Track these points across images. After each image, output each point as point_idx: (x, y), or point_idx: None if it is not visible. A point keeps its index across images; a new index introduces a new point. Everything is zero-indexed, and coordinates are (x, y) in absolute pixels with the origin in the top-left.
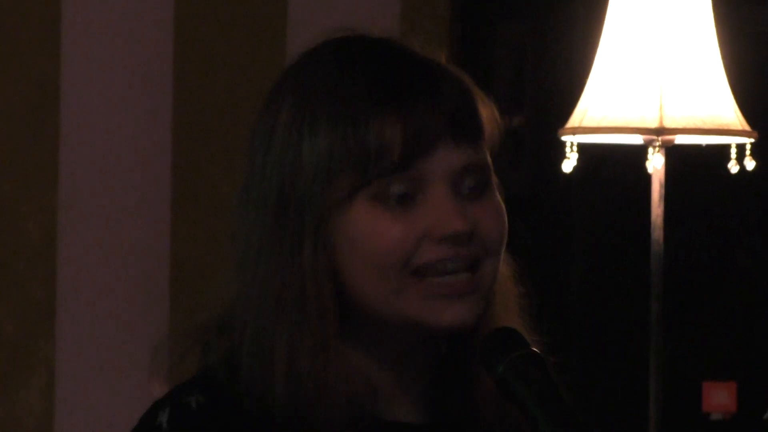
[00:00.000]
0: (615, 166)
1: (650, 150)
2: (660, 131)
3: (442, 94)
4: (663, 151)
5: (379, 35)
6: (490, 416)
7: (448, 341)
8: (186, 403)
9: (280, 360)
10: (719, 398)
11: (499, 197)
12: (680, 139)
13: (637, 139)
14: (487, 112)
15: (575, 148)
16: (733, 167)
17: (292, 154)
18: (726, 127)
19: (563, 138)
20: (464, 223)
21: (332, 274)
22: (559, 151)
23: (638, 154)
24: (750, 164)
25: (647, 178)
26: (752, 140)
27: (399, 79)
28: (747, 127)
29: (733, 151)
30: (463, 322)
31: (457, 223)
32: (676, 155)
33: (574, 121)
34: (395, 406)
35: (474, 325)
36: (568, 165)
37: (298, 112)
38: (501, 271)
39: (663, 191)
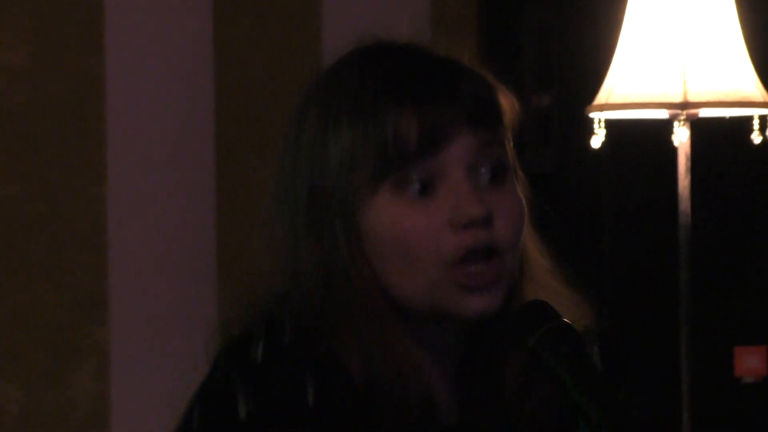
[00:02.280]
0: (641, 140)
1: (675, 124)
2: (684, 105)
3: (460, 90)
4: (688, 124)
5: (404, 41)
6: (517, 392)
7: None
8: (278, 338)
9: (353, 354)
10: (751, 362)
11: (518, 189)
12: (704, 113)
13: (663, 114)
14: (507, 102)
15: (603, 125)
16: (756, 138)
17: (319, 153)
18: (748, 100)
19: (591, 115)
20: (480, 208)
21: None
22: (586, 129)
23: (664, 128)
24: None
25: (673, 151)
26: None
27: (417, 76)
28: None
29: (756, 123)
30: (487, 312)
31: (474, 208)
32: (700, 128)
33: (601, 98)
34: (431, 387)
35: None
36: (597, 141)
37: (323, 116)
38: (528, 249)
39: (689, 163)
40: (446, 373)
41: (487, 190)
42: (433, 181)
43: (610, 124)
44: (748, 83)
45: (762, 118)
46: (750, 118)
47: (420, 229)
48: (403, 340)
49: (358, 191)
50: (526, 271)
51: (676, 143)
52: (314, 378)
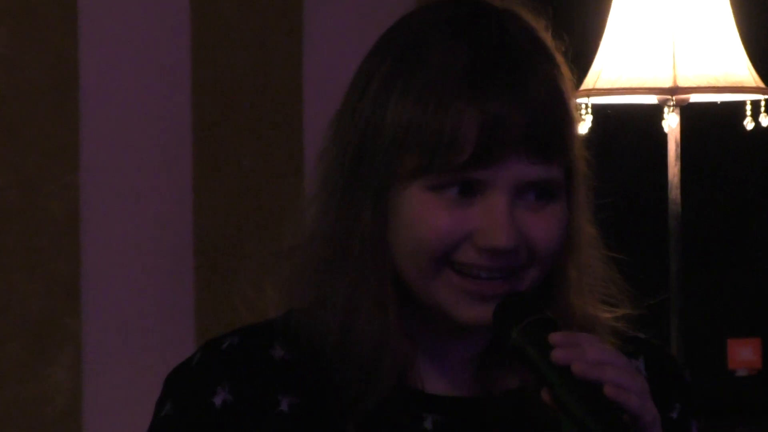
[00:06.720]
0: (630, 126)
1: (665, 109)
2: (674, 90)
3: (528, 94)
4: (678, 110)
5: (503, 7)
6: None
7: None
8: (217, 345)
9: (336, 316)
10: (744, 355)
11: (562, 208)
12: (695, 98)
13: (652, 99)
14: (572, 129)
15: (590, 110)
16: (749, 124)
17: (379, 111)
18: (740, 85)
19: (577, 101)
20: (508, 241)
21: (386, 243)
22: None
23: (653, 114)
24: (765, 121)
25: (663, 137)
26: (767, 97)
27: (491, 70)
28: (761, 84)
29: (748, 108)
30: (479, 322)
31: (501, 239)
32: (691, 114)
33: (588, 83)
34: (433, 379)
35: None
36: (583, 127)
37: (394, 72)
38: (580, 255)
39: (679, 150)
40: (454, 369)
41: (527, 210)
42: (474, 190)
43: (599, 110)
44: (740, 68)
45: (754, 103)
46: (742, 104)
47: (444, 232)
48: (391, 317)
49: (397, 176)
50: (567, 279)
51: (665, 129)
52: (231, 379)
